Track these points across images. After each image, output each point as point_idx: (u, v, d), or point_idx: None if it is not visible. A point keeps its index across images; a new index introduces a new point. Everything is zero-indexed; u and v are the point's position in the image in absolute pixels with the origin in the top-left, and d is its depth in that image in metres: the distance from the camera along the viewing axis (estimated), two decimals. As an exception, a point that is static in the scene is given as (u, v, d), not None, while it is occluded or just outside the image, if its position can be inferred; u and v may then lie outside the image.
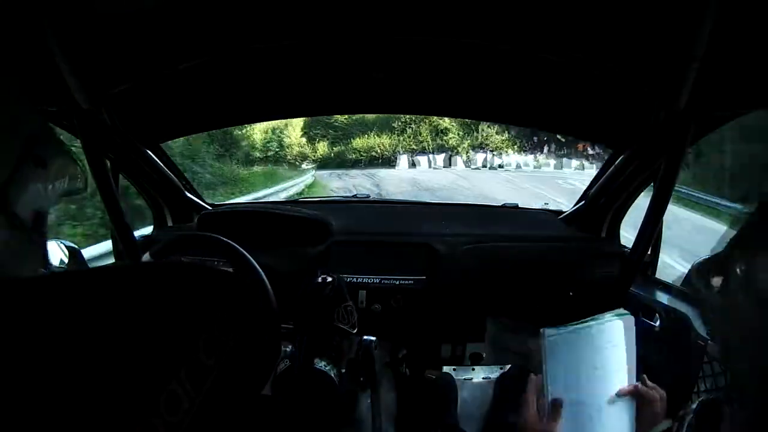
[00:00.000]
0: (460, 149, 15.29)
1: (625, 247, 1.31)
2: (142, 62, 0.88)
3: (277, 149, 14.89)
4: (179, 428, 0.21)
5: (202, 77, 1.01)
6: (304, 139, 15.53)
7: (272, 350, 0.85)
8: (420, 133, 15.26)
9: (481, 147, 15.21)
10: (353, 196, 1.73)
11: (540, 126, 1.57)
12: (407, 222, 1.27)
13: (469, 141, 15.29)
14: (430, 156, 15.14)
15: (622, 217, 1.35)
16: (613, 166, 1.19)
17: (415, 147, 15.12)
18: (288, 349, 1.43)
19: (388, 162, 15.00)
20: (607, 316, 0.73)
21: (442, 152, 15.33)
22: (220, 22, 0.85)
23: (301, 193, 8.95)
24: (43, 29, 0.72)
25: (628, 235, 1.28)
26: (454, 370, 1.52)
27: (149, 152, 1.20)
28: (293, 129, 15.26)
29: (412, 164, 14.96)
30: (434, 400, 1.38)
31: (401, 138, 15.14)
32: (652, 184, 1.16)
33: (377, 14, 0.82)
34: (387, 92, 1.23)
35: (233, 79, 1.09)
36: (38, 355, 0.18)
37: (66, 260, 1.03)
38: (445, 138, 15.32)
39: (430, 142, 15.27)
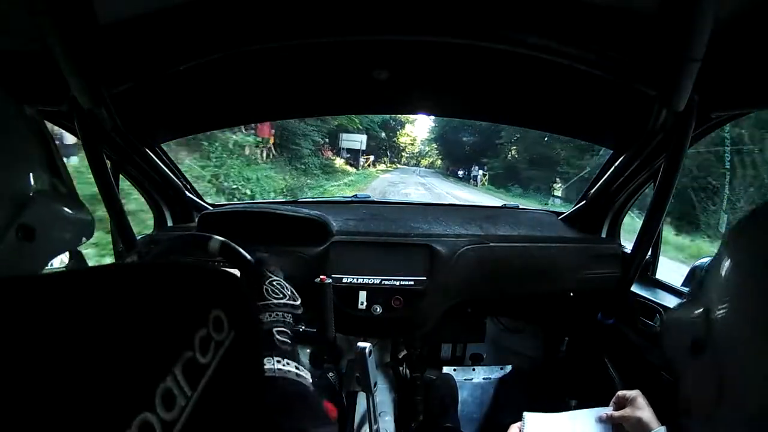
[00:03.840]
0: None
1: (624, 247, 1.31)
2: (142, 62, 0.88)
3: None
4: (175, 425, 0.21)
5: (202, 77, 1.01)
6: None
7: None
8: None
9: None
10: (353, 197, 1.73)
11: (540, 127, 1.57)
12: (407, 223, 1.27)
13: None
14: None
15: (623, 218, 1.35)
16: (613, 167, 1.19)
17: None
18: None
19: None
20: (587, 411, 0.83)
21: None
22: (220, 22, 0.85)
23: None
24: (44, 29, 0.72)
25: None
26: (454, 370, 1.52)
27: (149, 152, 1.20)
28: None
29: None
30: (434, 401, 1.37)
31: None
32: (652, 184, 1.16)
33: (377, 14, 0.83)
34: (388, 92, 1.23)
35: (233, 79, 1.09)
36: (34, 352, 0.18)
37: (66, 260, 1.03)
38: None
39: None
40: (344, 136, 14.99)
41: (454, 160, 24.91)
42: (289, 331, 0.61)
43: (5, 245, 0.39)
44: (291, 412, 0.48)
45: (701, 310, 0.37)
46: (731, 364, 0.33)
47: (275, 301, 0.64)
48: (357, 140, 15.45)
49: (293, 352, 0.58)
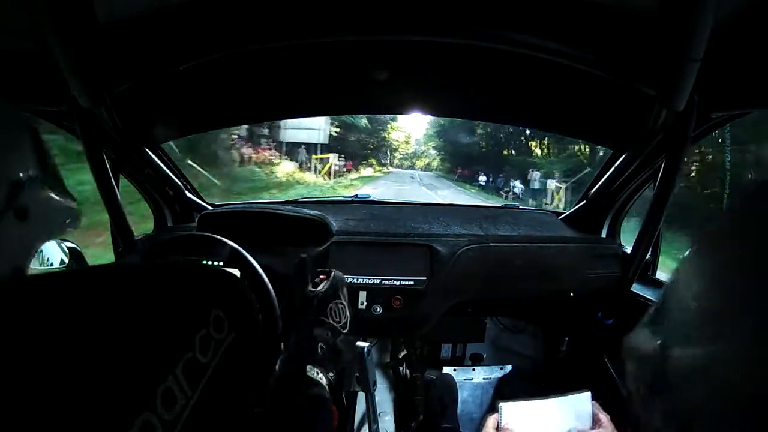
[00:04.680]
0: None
1: (625, 247, 1.31)
2: (142, 62, 0.88)
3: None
4: (176, 425, 0.21)
5: (202, 77, 1.01)
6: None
7: (272, 350, 0.85)
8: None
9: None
10: (354, 197, 1.73)
11: (540, 127, 1.57)
12: (407, 223, 1.27)
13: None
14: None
15: (623, 218, 1.35)
16: (613, 167, 1.19)
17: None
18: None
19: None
20: (562, 398, 0.83)
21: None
22: (220, 22, 0.85)
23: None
24: (44, 29, 0.72)
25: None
26: (454, 370, 1.52)
27: (149, 152, 1.20)
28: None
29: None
30: (434, 401, 1.37)
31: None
32: (652, 183, 1.16)
33: (377, 14, 0.83)
34: (387, 92, 1.23)
35: (233, 79, 1.09)
36: (35, 352, 0.18)
37: (66, 260, 1.02)
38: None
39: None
40: (287, 122, 8.08)
41: (464, 161, 19.51)
42: (326, 348, 0.67)
43: (3, 225, 0.41)
44: (315, 414, 0.57)
45: (659, 341, 0.31)
46: (693, 405, 0.28)
47: (332, 323, 0.70)
48: (314, 128, 8.57)
49: (326, 365, 0.65)
